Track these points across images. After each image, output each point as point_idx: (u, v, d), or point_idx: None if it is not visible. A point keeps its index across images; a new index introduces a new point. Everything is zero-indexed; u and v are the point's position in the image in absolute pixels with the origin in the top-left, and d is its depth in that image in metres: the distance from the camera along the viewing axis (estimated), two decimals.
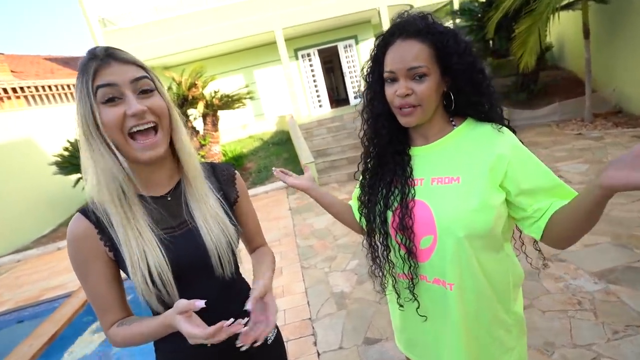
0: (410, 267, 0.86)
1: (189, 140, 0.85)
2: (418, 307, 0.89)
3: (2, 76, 7.38)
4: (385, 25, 9.72)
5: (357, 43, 11.79)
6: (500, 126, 0.83)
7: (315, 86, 11.79)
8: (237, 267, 0.93)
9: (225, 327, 0.67)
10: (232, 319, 0.69)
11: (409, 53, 0.77)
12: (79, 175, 6.72)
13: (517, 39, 5.47)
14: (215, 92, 7.66)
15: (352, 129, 8.09)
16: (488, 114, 0.85)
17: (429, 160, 0.87)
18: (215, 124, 7.77)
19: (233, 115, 10.05)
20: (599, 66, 6.49)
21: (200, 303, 0.69)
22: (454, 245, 0.79)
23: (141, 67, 0.77)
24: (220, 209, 0.86)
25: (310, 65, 11.70)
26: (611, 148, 4.59)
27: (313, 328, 2.46)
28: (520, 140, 0.84)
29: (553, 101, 6.71)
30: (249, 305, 0.76)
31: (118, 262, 0.79)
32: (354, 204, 1.10)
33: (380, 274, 0.97)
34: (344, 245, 3.65)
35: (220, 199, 0.89)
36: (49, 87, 8.29)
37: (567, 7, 6.15)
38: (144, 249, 0.75)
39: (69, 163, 6.41)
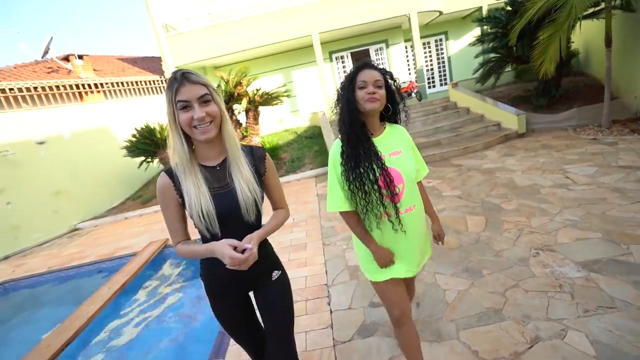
0: (394, 206, 1.35)
1: (233, 131, 1.18)
2: (401, 227, 1.37)
3: (86, 74, 8.19)
4: (415, 31, 9.62)
5: (387, 47, 11.72)
6: (403, 126, 1.49)
7: None
8: (258, 217, 1.25)
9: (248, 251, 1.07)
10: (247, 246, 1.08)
11: (374, 74, 1.32)
12: (142, 158, 7.40)
13: (538, 47, 5.31)
14: (257, 90, 8.03)
15: None
16: (397, 121, 1.50)
17: (382, 144, 1.38)
18: (256, 118, 8.16)
19: (272, 110, 10.46)
20: (623, 73, 6.14)
21: (248, 246, 1.09)
22: (412, 185, 1.39)
23: (204, 85, 1.10)
24: (252, 176, 1.19)
25: (343, 67, 11.81)
26: (622, 153, 4.43)
27: (328, 292, 2.74)
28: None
29: (573, 107, 6.44)
30: (245, 243, 1.11)
31: (184, 205, 1.15)
32: (342, 200, 1.40)
33: (372, 218, 1.37)
34: None
35: (252, 171, 1.21)
36: (122, 83, 9.06)
37: (591, 15, 5.85)
38: (199, 197, 1.10)
39: (136, 148, 7.07)
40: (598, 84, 7.10)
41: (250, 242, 1.11)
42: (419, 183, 1.55)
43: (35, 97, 7.31)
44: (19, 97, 7.04)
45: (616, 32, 5.61)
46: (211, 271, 1.24)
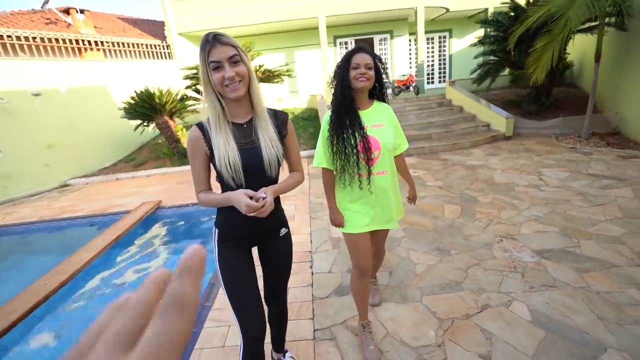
0: (368, 168, 1.60)
1: (260, 91, 1.31)
2: (370, 188, 1.63)
3: (87, 30, 8.04)
4: (421, 25, 9.72)
5: (391, 38, 11.79)
6: (387, 104, 1.71)
7: None
8: (278, 174, 1.38)
9: (263, 200, 1.18)
10: (262, 195, 1.19)
11: (366, 58, 1.54)
12: (139, 121, 7.43)
13: (532, 55, 5.55)
14: (259, 66, 8.07)
15: None
16: (384, 99, 1.71)
17: (366, 117, 1.61)
18: None
19: (272, 88, 10.50)
20: (608, 89, 6.47)
21: (263, 195, 1.19)
22: (387, 154, 1.63)
23: (234, 46, 1.18)
24: (275, 139, 1.32)
25: None
26: (594, 162, 4.78)
27: (311, 257, 3.00)
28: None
29: (560, 116, 6.77)
30: (260, 193, 1.21)
31: (211, 157, 1.28)
32: (324, 158, 1.67)
33: (346, 177, 1.64)
34: None
35: (276, 131, 1.34)
36: (122, 44, 8.93)
37: (587, 30, 6.10)
38: (228, 150, 1.23)
39: (134, 110, 7.09)
40: (587, 96, 7.42)
41: (266, 193, 1.20)
42: (400, 156, 1.80)
43: (33, 47, 7.19)
44: (17, 46, 6.93)
45: (607, 48, 5.90)
46: (228, 219, 1.34)
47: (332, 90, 1.64)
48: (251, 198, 1.17)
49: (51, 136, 7.20)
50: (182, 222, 4.74)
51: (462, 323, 2.01)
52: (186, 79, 7.96)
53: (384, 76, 1.65)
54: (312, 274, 2.74)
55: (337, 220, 1.72)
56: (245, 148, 1.27)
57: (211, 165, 1.32)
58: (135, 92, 7.08)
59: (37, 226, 4.97)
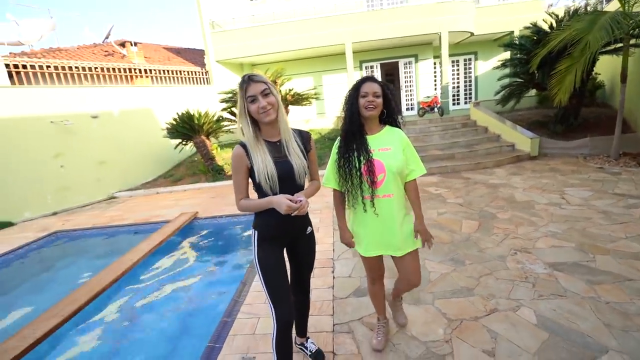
0: (372, 191, 1.68)
1: (286, 117, 1.65)
2: (375, 210, 1.70)
3: (138, 60, 9.10)
4: (445, 49, 10.03)
5: (416, 61, 12.15)
6: (400, 129, 1.78)
7: None
8: (304, 180, 1.69)
9: (300, 202, 1.48)
10: (300, 199, 1.49)
11: (374, 86, 1.66)
12: (179, 140, 8.17)
13: (555, 77, 5.66)
14: (289, 89, 8.68)
15: None
16: (397, 124, 1.80)
17: (374, 141, 1.71)
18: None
19: (300, 110, 11.10)
20: (638, 108, 6.36)
21: (301, 198, 1.49)
22: (393, 176, 1.67)
23: (264, 82, 1.49)
24: (301, 153, 1.64)
25: None
26: (622, 182, 4.73)
27: (333, 264, 3.26)
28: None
29: (587, 136, 6.70)
30: (297, 197, 1.52)
31: (252, 170, 1.56)
32: (331, 179, 1.81)
33: (351, 198, 1.75)
34: None
35: (302, 148, 1.66)
36: (168, 71, 9.95)
37: (614, 51, 6.13)
38: (266, 164, 1.54)
39: (175, 130, 7.84)
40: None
41: (302, 197, 1.47)
42: (412, 182, 1.77)
43: (94, 76, 8.25)
44: (81, 75, 7.99)
45: (636, 68, 5.87)
46: (267, 221, 1.60)
47: (343, 115, 1.77)
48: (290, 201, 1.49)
49: (103, 153, 8.08)
50: (217, 231, 5.18)
51: (470, 323, 2.18)
52: (222, 102, 8.70)
53: (392, 103, 1.75)
54: (334, 277, 3.00)
55: (346, 239, 1.83)
56: (279, 161, 1.58)
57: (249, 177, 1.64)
58: (177, 114, 7.85)
59: (91, 232, 5.61)
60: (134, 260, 3.88)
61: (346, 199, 1.80)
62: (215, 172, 8.26)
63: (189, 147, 8.65)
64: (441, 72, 10.37)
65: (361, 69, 12.28)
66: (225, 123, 8.69)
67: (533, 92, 8.60)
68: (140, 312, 3.17)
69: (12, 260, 4.76)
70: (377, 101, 1.65)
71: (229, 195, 6.79)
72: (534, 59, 6.29)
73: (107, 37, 9.97)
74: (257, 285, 2.94)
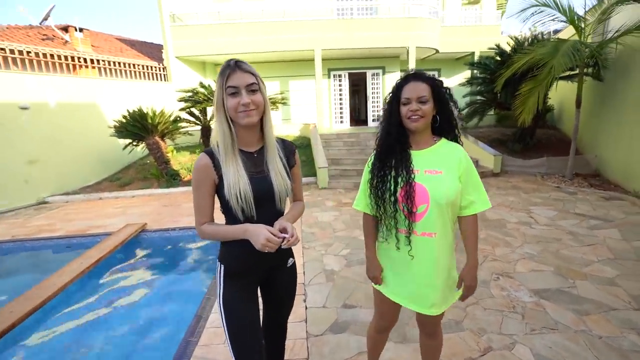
0: (408, 224, 1.28)
1: (272, 122, 1.28)
2: (410, 250, 1.29)
3: (84, 48, 8.07)
4: (412, 63, 10.19)
5: (384, 73, 12.30)
6: (460, 145, 1.35)
7: (341, 104, 12.31)
8: (285, 204, 1.35)
9: (284, 237, 1.12)
10: (284, 236, 1.12)
11: (418, 88, 1.24)
12: (129, 140, 7.31)
13: (519, 98, 5.86)
14: None
15: (366, 146, 8.51)
16: (455, 137, 1.37)
17: (421, 158, 1.30)
18: None
19: None
20: (588, 133, 6.84)
21: (285, 229, 1.14)
22: (439, 209, 1.25)
23: (254, 75, 1.17)
24: (284, 170, 1.28)
25: (340, 85, 12.24)
26: (580, 202, 4.93)
27: (305, 290, 2.88)
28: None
29: (543, 155, 7.06)
30: (281, 224, 1.17)
31: (219, 186, 1.21)
32: (362, 200, 1.45)
33: (384, 229, 1.36)
34: (341, 237, 4.07)
35: (285, 162, 1.31)
36: (117, 63, 8.96)
37: (567, 78, 6.54)
38: (238, 178, 1.18)
39: (125, 129, 6.98)
40: (567, 139, 7.82)
41: (286, 228, 1.14)
42: (472, 217, 1.32)
43: (26, 61, 7.12)
44: (9, 59, 6.84)
45: (586, 95, 6.29)
46: (235, 252, 1.26)
47: (379, 127, 1.39)
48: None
49: (33, 151, 6.95)
50: (169, 247, 4.54)
51: None
52: (181, 100, 7.98)
53: (450, 106, 1.31)
54: (306, 308, 2.62)
55: (372, 273, 1.45)
56: (256, 177, 1.22)
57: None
58: (128, 111, 7.01)
59: (9, 246, 4.65)
60: (59, 285, 3.16)
61: (379, 228, 1.42)
62: (170, 177, 7.49)
63: (140, 149, 7.78)
64: None
65: (329, 76, 12.14)
66: (183, 124, 7.96)
67: (493, 111, 8.98)
68: (57, 354, 2.52)
69: None
70: (424, 109, 1.23)
71: (184, 204, 6.12)
72: (499, 79, 6.50)
73: (45, 19, 8.75)
74: (216, 320, 2.46)
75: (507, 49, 7.38)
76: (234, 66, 1.16)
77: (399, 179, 1.27)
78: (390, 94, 1.32)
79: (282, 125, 11.26)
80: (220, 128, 1.18)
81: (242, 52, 9.91)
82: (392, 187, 1.28)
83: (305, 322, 2.44)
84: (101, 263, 3.78)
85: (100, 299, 3.30)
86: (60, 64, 7.79)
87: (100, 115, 8.19)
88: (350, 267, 3.29)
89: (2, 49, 6.70)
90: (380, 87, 12.38)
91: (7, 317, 2.63)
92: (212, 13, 10.40)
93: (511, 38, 7.36)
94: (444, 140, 1.34)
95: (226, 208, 1.23)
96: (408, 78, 1.27)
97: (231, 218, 1.24)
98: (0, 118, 6.41)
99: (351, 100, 13.10)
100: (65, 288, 3.19)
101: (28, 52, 7.12)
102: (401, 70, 12.30)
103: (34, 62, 7.26)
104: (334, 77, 12.25)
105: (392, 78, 12.35)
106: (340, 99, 12.27)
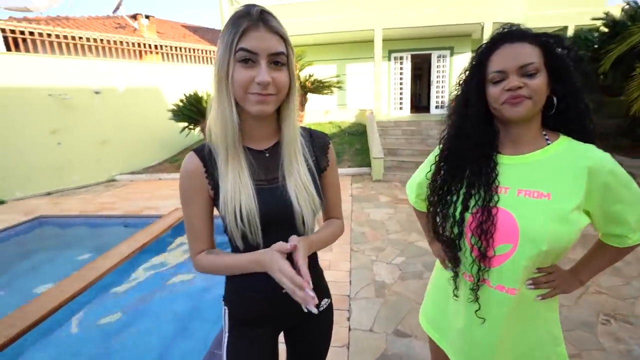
0: (479, 270, 0.80)
1: (296, 113, 0.84)
2: (478, 310, 0.83)
3: (150, 35, 8.42)
4: None
5: (452, 55, 11.05)
6: (601, 151, 0.75)
7: (401, 89, 11.42)
8: (314, 225, 0.90)
9: (307, 287, 0.68)
10: (311, 287, 0.69)
11: (519, 53, 0.73)
12: (186, 124, 7.49)
13: (636, 79, 4.61)
14: (309, 75, 7.83)
15: (427, 135, 7.71)
16: (585, 134, 0.78)
17: (518, 171, 0.79)
18: (302, 104, 8.00)
19: (319, 100, 10.24)
20: None
21: (293, 245, 0.75)
22: (534, 257, 0.74)
23: (284, 39, 0.76)
24: (309, 177, 0.85)
25: (401, 69, 11.31)
26: None
27: (350, 305, 2.47)
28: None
29: None
30: (289, 245, 0.76)
31: (215, 200, 0.82)
32: (414, 191, 1.10)
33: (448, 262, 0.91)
34: (395, 241, 3.56)
35: (312, 164, 0.88)
36: (180, 48, 9.24)
37: None
38: (239, 188, 0.78)
39: (182, 113, 7.16)
40: None
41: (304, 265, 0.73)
42: (614, 248, 0.82)
43: (100, 48, 7.61)
44: (85, 47, 7.36)
45: None
46: (244, 294, 0.89)
47: (449, 114, 0.92)
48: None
49: (105, 132, 7.49)
50: (217, 233, 4.47)
51: None
52: None
53: (575, 83, 0.76)
54: (349, 329, 2.21)
55: (440, 254, 1.00)
56: (266, 188, 0.82)
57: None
58: (185, 95, 7.15)
59: (76, 221, 5.00)
60: (107, 266, 3.19)
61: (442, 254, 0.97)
62: None
63: (197, 132, 7.97)
64: None
65: (389, 59, 11.25)
66: None
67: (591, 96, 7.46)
68: (106, 336, 2.48)
69: None
70: (532, 85, 0.72)
71: None
72: (608, 56, 5.22)
73: (117, 9, 9.32)
74: None
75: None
76: (256, 17, 0.73)
77: (471, 201, 0.81)
78: (469, 69, 0.83)
79: (337, 110, 10.79)
80: (220, 114, 0.77)
81: (300, 34, 9.56)
82: (456, 213, 0.83)
83: (347, 347, 2.03)
84: (149, 246, 3.81)
85: (144, 281, 3.31)
86: (129, 50, 8.22)
87: (162, 99, 8.56)
88: (404, 280, 2.79)
89: (80, 37, 7.22)
90: (447, 70, 11.17)
91: (57, 296, 2.67)
92: None
93: (628, 3, 5.86)
94: (563, 139, 0.79)
95: (225, 231, 0.84)
96: (501, 39, 0.76)
97: (231, 245, 0.87)
98: (77, 102, 6.95)
99: (412, 84, 12.07)
100: (112, 270, 3.22)
101: (100, 40, 7.59)
102: (472, 51, 10.92)
103: (106, 49, 7.74)
104: (394, 59, 11.33)
105: (462, 59, 11.03)
106: (401, 84, 11.36)
